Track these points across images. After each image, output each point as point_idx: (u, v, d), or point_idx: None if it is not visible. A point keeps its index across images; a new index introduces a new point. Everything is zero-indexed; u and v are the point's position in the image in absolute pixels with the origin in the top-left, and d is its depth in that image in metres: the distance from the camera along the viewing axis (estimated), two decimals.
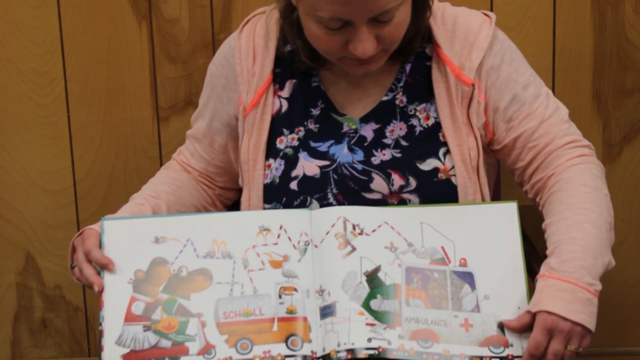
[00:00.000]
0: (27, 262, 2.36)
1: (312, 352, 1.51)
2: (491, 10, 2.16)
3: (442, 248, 1.56)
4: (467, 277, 1.54)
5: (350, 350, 1.49)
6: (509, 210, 1.59)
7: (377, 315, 1.51)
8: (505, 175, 2.04)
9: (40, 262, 2.35)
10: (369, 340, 1.49)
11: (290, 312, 1.53)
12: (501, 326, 1.51)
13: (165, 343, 1.51)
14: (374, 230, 1.57)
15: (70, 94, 2.26)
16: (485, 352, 1.50)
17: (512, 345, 1.50)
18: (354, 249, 1.56)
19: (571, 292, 1.48)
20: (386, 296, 1.52)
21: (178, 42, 2.22)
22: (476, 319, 1.52)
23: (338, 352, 1.49)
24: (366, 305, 1.52)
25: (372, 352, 1.48)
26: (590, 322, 1.48)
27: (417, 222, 1.58)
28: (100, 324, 1.52)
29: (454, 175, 1.67)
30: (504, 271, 1.54)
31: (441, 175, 1.67)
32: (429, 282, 1.54)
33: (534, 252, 1.82)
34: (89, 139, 2.28)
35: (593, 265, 1.51)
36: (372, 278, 1.54)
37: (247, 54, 1.75)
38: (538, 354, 1.47)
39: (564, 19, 2.17)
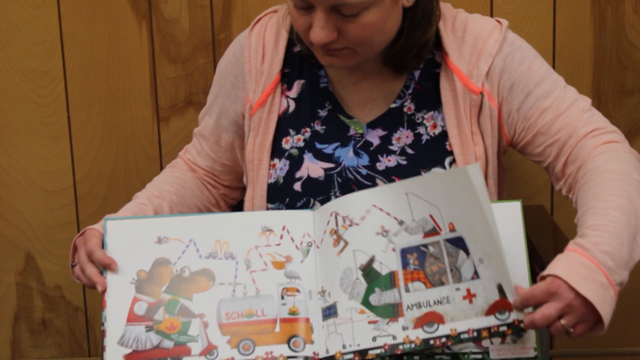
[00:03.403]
0: (27, 262, 2.36)
1: (314, 353, 1.50)
2: (491, 10, 2.17)
3: (431, 216, 1.52)
4: (460, 243, 1.50)
5: (357, 352, 1.48)
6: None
7: (378, 311, 1.50)
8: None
9: (40, 262, 2.35)
10: (374, 339, 1.48)
11: (292, 313, 1.52)
12: (501, 288, 1.47)
13: (168, 343, 1.51)
14: (363, 218, 1.55)
15: (70, 94, 2.26)
16: (491, 321, 1.47)
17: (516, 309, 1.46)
18: (346, 244, 1.54)
19: (589, 270, 1.40)
20: (384, 288, 1.50)
21: (178, 42, 2.23)
22: (478, 287, 1.48)
23: (344, 354, 1.49)
24: (366, 301, 1.50)
25: (378, 351, 1.47)
26: (600, 304, 1.38)
27: (402, 194, 1.54)
28: (103, 324, 1.52)
29: None
30: (493, 235, 1.47)
31: None
32: (426, 258, 1.51)
33: (535, 252, 1.82)
34: (89, 139, 2.28)
35: (618, 251, 1.42)
36: (368, 271, 1.52)
37: (256, 52, 1.75)
38: (527, 304, 1.41)
39: (564, 19, 2.18)
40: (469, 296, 1.48)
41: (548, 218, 2.20)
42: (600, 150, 1.60)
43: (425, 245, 1.52)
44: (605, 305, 1.39)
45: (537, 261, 1.78)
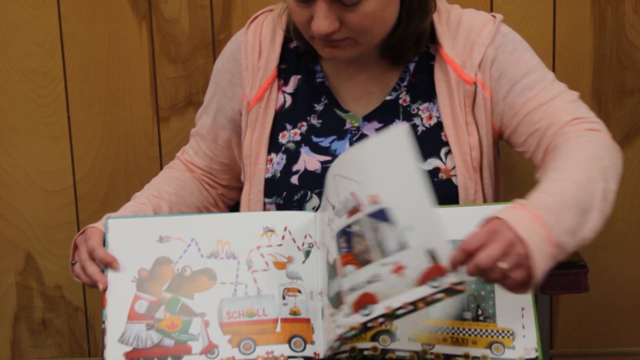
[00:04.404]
0: (27, 262, 2.36)
1: (314, 353, 1.50)
2: (491, 10, 2.17)
3: (351, 194, 1.46)
4: (382, 215, 1.42)
5: (329, 348, 1.47)
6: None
7: (333, 302, 1.47)
8: (505, 176, 2.04)
9: (40, 262, 2.35)
10: (333, 332, 1.45)
11: (293, 313, 1.52)
12: (432, 254, 1.36)
13: (168, 342, 1.51)
14: (325, 210, 1.54)
15: (70, 94, 2.26)
16: (425, 290, 1.36)
17: (450, 272, 1.36)
18: (323, 242, 1.54)
19: (529, 220, 1.35)
20: (331, 278, 1.48)
21: (178, 42, 2.23)
22: (405, 258, 1.38)
23: (325, 352, 1.49)
24: (328, 296, 1.49)
25: (336, 344, 1.44)
26: (536, 252, 1.33)
27: (332, 178, 1.51)
28: (104, 322, 1.52)
29: (455, 175, 1.67)
30: (425, 197, 1.39)
31: (442, 175, 1.67)
32: (352, 239, 1.45)
33: None
34: (89, 139, 2.28)
35: (559, 213, 1.38)
36: (327, 265, 1.50)
37: (253, 49, 1.76)
38: (469, 248, 1.33)
39: (564, 19, 2.18)
40: (398, 269, 1.38)
41: None
42: (580, 134, 1.58)
43: (349, 226, 1.46)
44: (541, 255, 1.34)
45: None
